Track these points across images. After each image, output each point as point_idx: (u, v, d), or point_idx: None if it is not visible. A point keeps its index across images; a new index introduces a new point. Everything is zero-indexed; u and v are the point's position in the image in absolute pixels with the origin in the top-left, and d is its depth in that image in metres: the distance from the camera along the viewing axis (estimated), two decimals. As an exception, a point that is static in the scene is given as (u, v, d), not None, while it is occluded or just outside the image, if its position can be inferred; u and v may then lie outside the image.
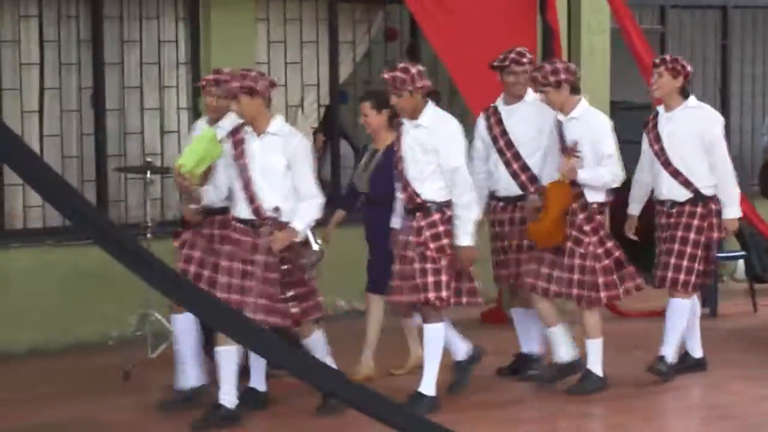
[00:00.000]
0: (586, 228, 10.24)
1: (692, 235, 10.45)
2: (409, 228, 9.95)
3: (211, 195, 9.77)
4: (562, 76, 10.21)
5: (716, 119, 10.66)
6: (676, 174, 10.42)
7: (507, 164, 10.57)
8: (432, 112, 9.92)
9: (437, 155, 9.77)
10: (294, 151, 9.45)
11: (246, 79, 9.37)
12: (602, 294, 10.28)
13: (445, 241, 9.88)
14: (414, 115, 9.86)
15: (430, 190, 9.83)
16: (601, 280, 10.25)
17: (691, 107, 10.56)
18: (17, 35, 12.57)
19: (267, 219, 9.42)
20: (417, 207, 9.89)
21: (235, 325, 8.31)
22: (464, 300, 10.03)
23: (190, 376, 10.08)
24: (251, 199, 9.48)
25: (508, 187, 10.66)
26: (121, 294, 11.97)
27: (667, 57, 10.69)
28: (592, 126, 10.30)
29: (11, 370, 11.74)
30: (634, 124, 12.38)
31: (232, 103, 9.44)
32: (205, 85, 10.25)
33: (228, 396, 9.49)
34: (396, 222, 10.28)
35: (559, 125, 10.44)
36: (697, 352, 11.05)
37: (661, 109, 10.65)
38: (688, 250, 10.46)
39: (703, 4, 16.46)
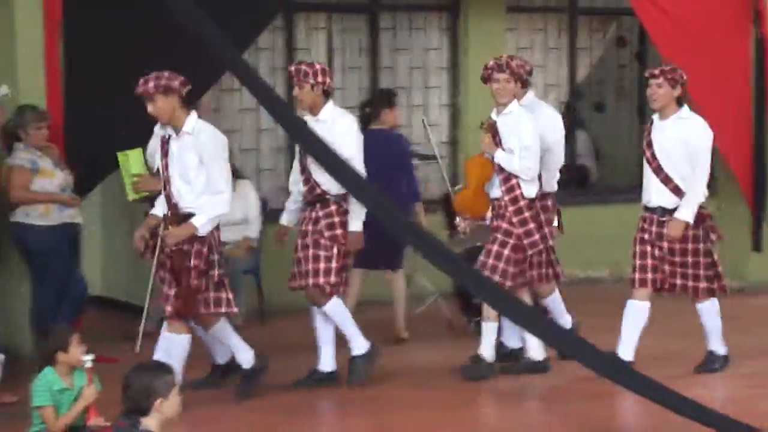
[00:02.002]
0: (514, 220, 10.13)
1: (690, 245, 10.07)
2: (308, 219, 9.91)
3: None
4: (525, 68, 10.35)
5: (705, 131, 10.15)
6: (666, 181, 10.03)
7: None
8: (330, 109, 9.83)
9: (335, 148, 9.41)
10: (203, 147, 9.09)
11: (161, 79, 8.94)
12: (508, 281, 10.10)
13: (338, 231, 9.85)
14: (314, 110, 9.77)
15: (329, 182, 9.67)
16: (512, 268, 10.14)
17: (683, 118, 10.13)
18: (309, 44, 13.52)
19: (179, 217, 9.17)
20: (317, 198, 9.85)
21: (499, 297, 9.12)
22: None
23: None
24: (168, 197, 9.21)
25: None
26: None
27: (666, 68, 10.22)
28: (518, 120, 10.12)
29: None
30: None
31: (148, 104, 8.99)
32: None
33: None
34: (284, 219, 10.32)
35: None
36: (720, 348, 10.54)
37: (656, 117, 10.22)
38: (700, 259, 10.10)
39: None
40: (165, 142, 9.18)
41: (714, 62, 12.51)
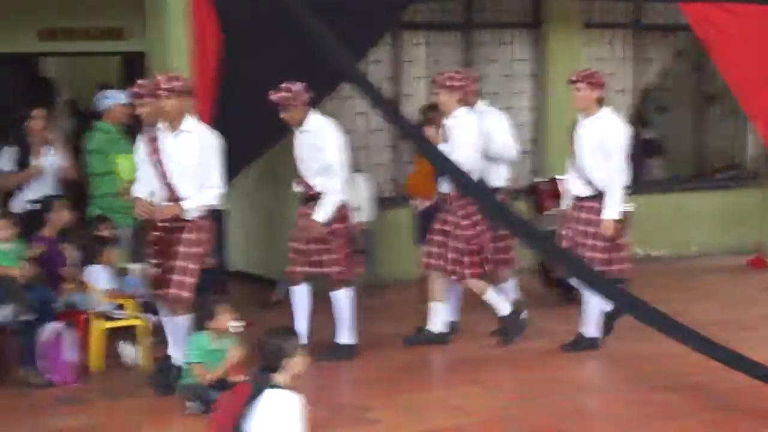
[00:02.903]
0: (461, 213, 9.90)
1: (592, 229, 9.76)
2: (304, 215, 9.57)
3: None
4: (456, 83, 9.80)
5: (620, 129, 9.84)
6: (581, 173, 9.82)
7: None
8: (315, 119, 9.42)
9: (321, 152, 9.32)
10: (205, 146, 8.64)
11: (172, 82, 8.52)
12: (466, 270, 10.00)
13: (335, 226, 9.57)
14: (301, 123, 9.40)
15: (320, 183, 9.41)
16: (467, 259, 9.98)
17: (601, 117, 9.77)
18: (413, 56, 13.53)
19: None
20: (311, 197, 9.49)
21: (589, 276, 9.10)
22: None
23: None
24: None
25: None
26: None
27: (585, 72, 9.86)
28: (460, 124, 9.78)
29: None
30: None
31: (156, 103, 8.58)
32: None
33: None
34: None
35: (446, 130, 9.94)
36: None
37: (580, 115, 9.87)
38: (597, 243, 9.76)
39: None
40: (153, 140, 8.71)
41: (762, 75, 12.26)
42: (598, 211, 9.71)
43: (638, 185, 13.73)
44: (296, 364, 6.64)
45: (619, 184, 9.73)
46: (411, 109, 13.15)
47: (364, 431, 7.93)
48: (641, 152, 15.00)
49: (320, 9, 9.05)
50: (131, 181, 9.09)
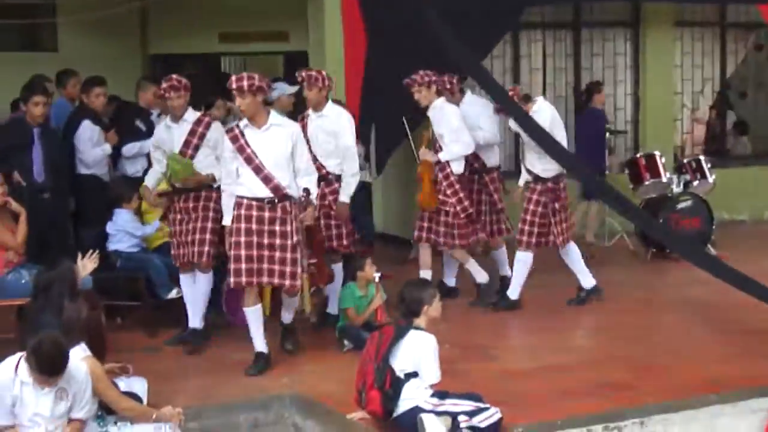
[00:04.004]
0: (449, 192, 9.27)
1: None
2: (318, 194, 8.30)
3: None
4: (431, 79, 9.21)
5: (545, 113, 9.21)
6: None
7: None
8: (331, 106, 8.58)
9: (336, 137, 8.48)
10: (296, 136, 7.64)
11: (253, 80, 7.43)
12: (456, 242, 9.43)
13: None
14: (317, 107, 8.48)
15: (332, 165, 8.57)
16: (456, 231, 9.40)
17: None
18: (530, 51, 13.42)
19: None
20: (321, 177, 8.41)
21: (668, 234, 9.35)
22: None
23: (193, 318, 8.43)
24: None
25: None
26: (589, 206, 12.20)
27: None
28: (442, 110, 9.26)
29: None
30: None
31: (238, 99, 7.49)
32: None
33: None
34: None
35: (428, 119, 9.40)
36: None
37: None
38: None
39: None
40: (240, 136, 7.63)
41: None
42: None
43: (726, 159, 13.62)
44: (433, 310, 6.69)
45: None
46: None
47: (487, 367, 7.90)
48: (733, 131, 15.07)
49: (451, 15, 8.97)
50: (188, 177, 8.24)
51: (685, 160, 12.41)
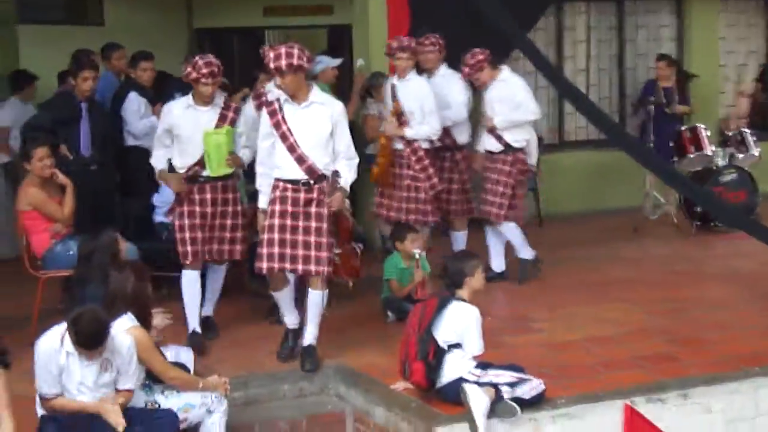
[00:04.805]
0: (417, 167, 8.82)
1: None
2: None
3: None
4: (414, 47, 8.97)
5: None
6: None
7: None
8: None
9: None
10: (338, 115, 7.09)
11: (291, 58, 6.85)
12: (430, 218, 8.96)
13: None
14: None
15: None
16: (429, 207, 8.94)
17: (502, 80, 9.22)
18: (573, 24, 13.30)
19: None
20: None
21: (714, 204, 9.24)
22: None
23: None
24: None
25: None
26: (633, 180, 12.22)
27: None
28: (418, 87, 8.87)
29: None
30: None
31: (278, 78, 6.96)
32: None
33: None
34: None
35: (393, 88, 8.97)
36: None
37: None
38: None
39: None
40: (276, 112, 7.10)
41: None
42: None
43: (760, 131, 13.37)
44: (475, 281, 6.69)
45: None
46: (571, 68, 13.14)
47: (529, 338, 7.92)
48: None
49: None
50: (232, 154, 7.69)
51: (729, 133, 12.32)
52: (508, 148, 9.32)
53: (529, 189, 12.05)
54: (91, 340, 5.62)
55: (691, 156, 11.71)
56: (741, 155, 11.94)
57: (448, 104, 9.17)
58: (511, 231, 9.45)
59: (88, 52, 9.63)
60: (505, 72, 9.40)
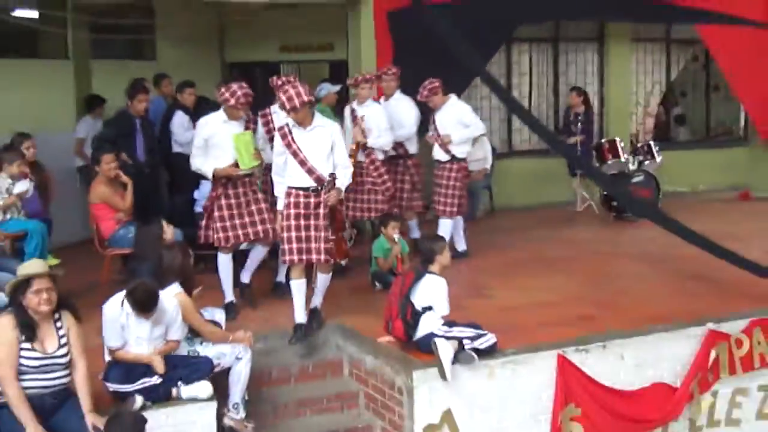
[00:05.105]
0: (374, 174, 8.55)
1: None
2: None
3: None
4: (374, 78, 8.86)
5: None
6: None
7: None
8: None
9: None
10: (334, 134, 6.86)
11: (302, 97, 6.66)
12: (385, 211, 8.59)
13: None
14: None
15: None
16: (385, 206, 8.64)
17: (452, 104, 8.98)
18: (519, 59, 13.00)
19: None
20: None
21: (631, 200, 9.15)
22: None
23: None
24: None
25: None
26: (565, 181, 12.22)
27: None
28: (374, 112, 8.66)
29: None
30: None
31: (293, 114, 6.73)
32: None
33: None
34: None
35: (353, 111, 8.74)
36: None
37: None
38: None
39: None
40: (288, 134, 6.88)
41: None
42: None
43: (670, 144, 13.38)
44: (443, 259, 6.65)
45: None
46: (517, 94, 12.94)
47: (486, 303, 7.84)
48: (675, 122, 14.73)
49: (461, 30, 8.77)
50: (257, 150, 7.50)
51: (638, 144, 12.29)
52: (453, 158, 9.07)
53: (484, 187, 12.13)
54: (144, 306, 5.64)
55: (610, 162, 11.68)
56: (648, 162, 11.90)
57: (401, 122, 8.92)
58: (446, 226, 9.09)
59: (142, 80, 9.61)
60: (453, 98, 9.15)
